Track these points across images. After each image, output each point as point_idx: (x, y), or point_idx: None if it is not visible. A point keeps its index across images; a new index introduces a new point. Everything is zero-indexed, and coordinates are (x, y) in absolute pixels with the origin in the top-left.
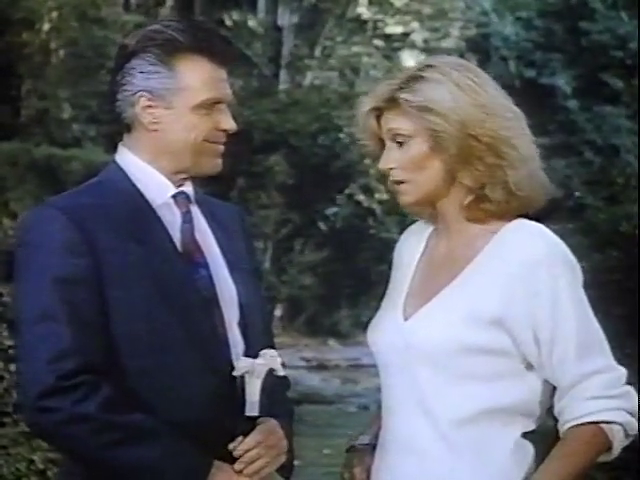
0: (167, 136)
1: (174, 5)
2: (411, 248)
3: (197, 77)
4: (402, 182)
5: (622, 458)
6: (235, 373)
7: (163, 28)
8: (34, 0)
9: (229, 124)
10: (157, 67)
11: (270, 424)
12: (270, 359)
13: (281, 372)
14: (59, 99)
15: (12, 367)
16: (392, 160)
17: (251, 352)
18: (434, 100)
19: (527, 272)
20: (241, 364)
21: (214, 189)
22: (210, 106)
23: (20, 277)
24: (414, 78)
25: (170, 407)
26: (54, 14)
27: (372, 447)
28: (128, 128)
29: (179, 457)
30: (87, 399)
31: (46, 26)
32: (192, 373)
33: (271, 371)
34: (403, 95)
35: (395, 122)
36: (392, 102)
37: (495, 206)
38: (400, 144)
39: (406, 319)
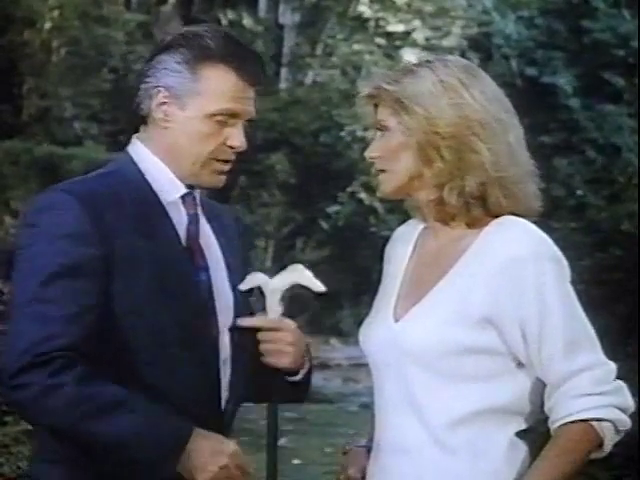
0: (174, 137)
1: (175, 3)
2: (400, 249)
3: (219, 86)
4: (383, 171)
5: (622, 457)
6: (242, 287)
7: (203, 33)
8: None
9: (239, 141)
10: (181, 67)
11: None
12: (294, 275)
13: (318, 288)
14: (60, 98)
15: None
16: (375, 149)
17: (237, 359)
18: (408, 93)
19: (513, 269)
20: (253, 278)
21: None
22: (225, 119)
23: (23, 257)
24: (404, 71)
25: (167, 392)
26: (55, 13)
27: (368, 449)
28: (144, 120)
29: (157, 426)
30: (62, 372)
31: (47, 25)
32: (183, 368)
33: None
34: (384, 85)
35: (379, 112)
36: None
37: (455, 210)
38: (383, 134)
39: (397, 320)
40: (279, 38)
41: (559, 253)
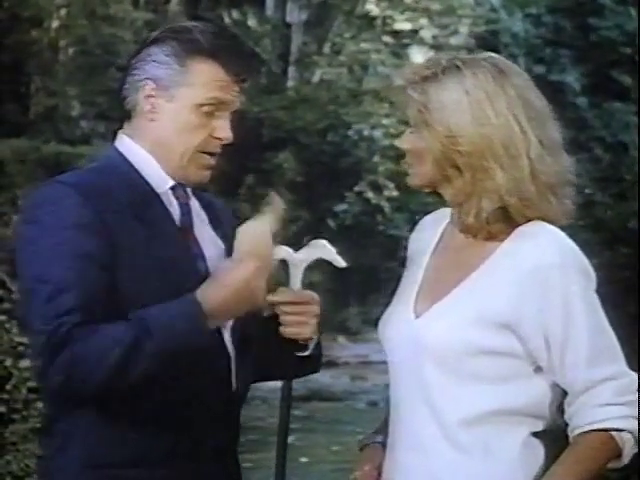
0: (162, 129)
1: (181, 2)
2: (425, 240)
3: (206, 78)
4: (410, 165)
5: (633, 456)
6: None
7: (192, 28)
8: None
9: (226, 133)
10: (170, 59)
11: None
12: (318, 250)
13: (339, 264)
14: (68, 96)
15: (21, 364)
16: (405, 141)
17: (237, 346)
18: (431, 106)
19: (539, 276)
20: (277, 250)
21: (223, 186)
22: (212, 109)
23: (30, 252)
24: (432, 75)
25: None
26: (63, 11)
27: (383, 445)
28: (129, 115)
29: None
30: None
31: (55, 23)
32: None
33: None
34: (410, 91)
35: (410, 108)
36: None
37: (474, 228)
38: (413, 130)
39: (417, 316)
40: (286, 37)
41: (587, 263)
